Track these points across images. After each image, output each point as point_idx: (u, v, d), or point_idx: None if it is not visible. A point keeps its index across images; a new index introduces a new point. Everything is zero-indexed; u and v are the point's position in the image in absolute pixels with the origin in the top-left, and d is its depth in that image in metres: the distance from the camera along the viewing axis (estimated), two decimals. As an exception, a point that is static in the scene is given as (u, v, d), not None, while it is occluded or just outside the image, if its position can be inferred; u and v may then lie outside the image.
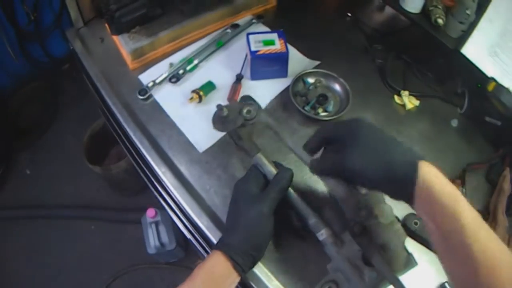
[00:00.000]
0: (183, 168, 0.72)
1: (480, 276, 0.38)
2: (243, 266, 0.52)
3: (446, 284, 0.68)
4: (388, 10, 0.95)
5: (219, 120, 0.64)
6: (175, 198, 0.70)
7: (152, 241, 1.16)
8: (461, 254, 0.41)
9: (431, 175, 0.44)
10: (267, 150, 0.66)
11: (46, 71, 1.78)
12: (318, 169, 0.56)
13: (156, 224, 1.16)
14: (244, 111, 0.64)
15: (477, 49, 0.80)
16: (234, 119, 0.65)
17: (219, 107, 0.65)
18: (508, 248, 0.41)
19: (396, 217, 0.66)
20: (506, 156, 0.82)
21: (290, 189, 0.61)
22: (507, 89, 0.76)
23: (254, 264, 0.55)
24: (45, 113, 1.79)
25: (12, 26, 1.52)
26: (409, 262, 0.69)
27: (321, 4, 1.00)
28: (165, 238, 1.17)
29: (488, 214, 0.78)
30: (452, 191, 0.43)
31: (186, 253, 1.36)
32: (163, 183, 0.72)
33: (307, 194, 0.64)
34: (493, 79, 0.78)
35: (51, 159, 1.68)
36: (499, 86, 0.77)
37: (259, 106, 0.77)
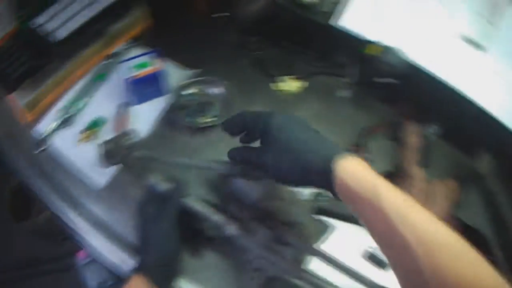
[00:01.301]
0: (93, 208, 0.73)
1: (420, 262, 0.36)
2: (160, 282, 0.55)
3: (370, 249, 0.68)
4: (261, 1, 0.95)
5: (103, 157, 0.66)
6: (90, 241, 0.71)
7: (90, 282, 1.16)
8: (395, 245, 0.39)
9: (347, 172, 0.44)
10: (162, 169, 0.67)
11: None
12: (233, 156, 0.55)
13: (88, 264, 1.16)
14: (124, 140, 0.66)
15: (356, 17, 0.80)
16: (118, 152, 0.66)
17: (99, 145, 0.67)
18: (446, 226, 0.39)
19: (301, 193, 0.67)
20: (405, 112, 0.82)
21: (188, 199, 0.62)
22: (391, 49, 0.76)
23: (171, 279, 0.58)
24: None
25: None
26: (324, 228, 0.70)
27: (197, 11, 0.99)
28: (103, 275, 1.17)
29: (401, 172, 0.77)
30: (370, 185, 0.43)
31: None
32: (76, 229, 0.73)
33: (210, 198, 0.66)
34: (377, 42, 0.78)
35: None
36: (384, 48, 0.77)
37: (138, 132, 0.76)
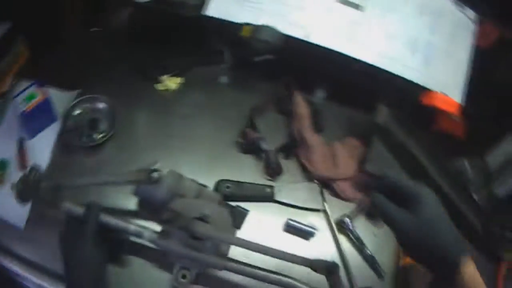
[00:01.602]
0: (17, 249, 0.73)
1: None
2: None
3: (290, 222, 0.72)
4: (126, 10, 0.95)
5: (17, 198, 0.70)
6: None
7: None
8: None
9: (469, 275, 0.48)
10: (73, 194, 0.69)
11: None
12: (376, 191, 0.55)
13: None
14: (31, 177, 0.69)
15: (221, 3, 0.81)
16: (28, 190, 0.70)
17: (12, 185, 0.70)
18: None
19: (203, 185, 0.69)
20: (289, 84, 0.84)
21: (103, 216, 0.64)
22: (263, 26, 0.77)
23: None
24: None
25: None
26: (239, 214, 0.73)
27: (70, 36, 0.97)
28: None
29: (296, 143, 0.79)
30: None
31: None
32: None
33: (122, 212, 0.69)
34: (247, 23, 0.79)
35: None
36: (256, 27, 0.79)
37: (40, 165, 0.78)
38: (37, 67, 0.92)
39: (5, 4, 0.90)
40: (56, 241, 0.69)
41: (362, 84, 0.85)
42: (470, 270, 0.48)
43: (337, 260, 0.74)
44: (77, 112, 0.82)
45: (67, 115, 0.82)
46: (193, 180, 0.72)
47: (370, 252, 0.76)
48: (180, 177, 0.71)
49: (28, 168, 0.77)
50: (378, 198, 0.54)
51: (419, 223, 0.50)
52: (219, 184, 0.76)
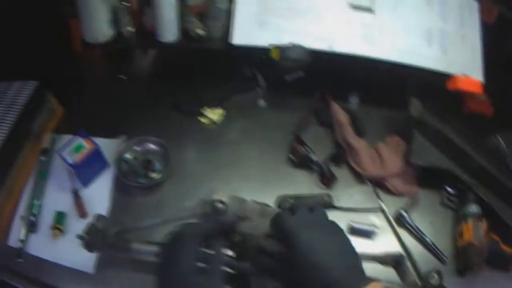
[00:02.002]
0: None
1: None
2: None
3: (352, 224, 0.76)
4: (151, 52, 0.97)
5: (86, 246, 0.70)
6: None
7: None
8: None
9: None
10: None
11: None
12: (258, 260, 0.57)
13: None
14: (98, 226, 0.70)
15: (245, 31, 0.83)
16: (95, 240, 0.71)
17: (78, 236, 0.71)
18: None
19: (265, 204, 0.72)
20: (324, 96, 0.87)
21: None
22: (290, 46, 0.80)
23: None
24: None
25: None
26: None
27: (97, 83, 1.01)
28: None
29: (343, 150, 0.82)
30: None
31: None
32: None
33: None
34: (272, 46, 0.82)
35: None
36: (283, 47, 0.81)
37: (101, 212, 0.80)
38: (73, 120, 0.95)
39: (31, 63, 0.91)
40: (123, 281, 0.73)
41: (391, 83, 0.89)
42: None
43: (401, 252, 0.78)
44: (128, 155, 0.85)
45: (120, 159, 0.84)
46: (254, 201, 0.74)
47: (430, 239, 0.80)
48: (242, 200, 0.73)
49: (93, 217, 0.79)
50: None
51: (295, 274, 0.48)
52: (280, 200, 0.79)
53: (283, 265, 0.52)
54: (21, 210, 0.91)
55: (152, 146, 0.84)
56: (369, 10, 0.89)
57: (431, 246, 0.80)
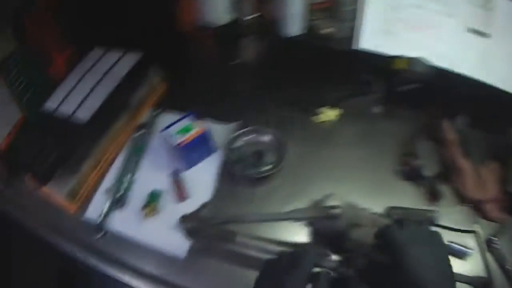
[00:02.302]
0: (178, 280, 0.71)
1: None
2: None
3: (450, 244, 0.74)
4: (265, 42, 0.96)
5: (189, 233, 0.68)
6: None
7: None
8: None
9: None
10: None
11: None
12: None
13: None
14: (203, 212, 0.68)
15: (372, 37, 0.83)
16: (201, 226, 0.67)
17: (181, 220, 0.67)
18: None
19: (378, 214, 0.71)
20: (437, 112, 0.88)
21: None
22: (415, 59, 0.81)
23: None
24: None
25: None
26: None
27: (209, 65, 0.99)
28: None
29: (450, 168, 0.83)
30: None
31: None
32: None
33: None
34: (399, 56, 0.82)
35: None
36: (408, 59, 0.82)
37: (210, 204, 0.77)
38: (177, 99, 0.92)
39: (138, 33, 0.89)
40: (217, 270, 0.70)
41: (497, 108, 0.91)
42: None
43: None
44: (238, 143, 0.82)
45: (229, 146, 0.82)
46: (368, 211, 0.74)
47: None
48: (356, 208, 0.73)
49: (199, 204, 0.77)
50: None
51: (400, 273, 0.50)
52: (389, 211, 0.78)
53: (386, 276, 0.53)
54: (108, 184, 0.87)
55: (266, 137, 0.82)
56: (485, 35, 0.91)
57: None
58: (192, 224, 0.68)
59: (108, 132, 0.88)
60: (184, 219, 0.69)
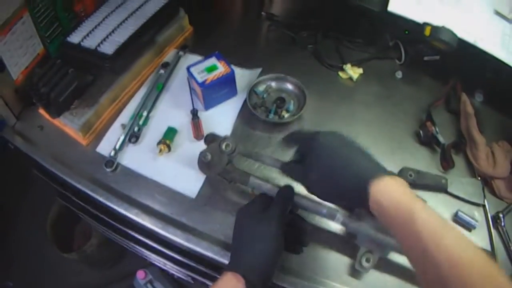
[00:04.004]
0: (184, 220, 0.71)
1: (451, 283, 0.38)
2: (255, 284, 0.52)
3: (460, 213, 0.74)
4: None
5: (205, 166, 0.65)
6: (188, 249, 0.71)
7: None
8: (427, 264, 0.41)
9: (383, 194, 0.45)
10: (256, 172, 0.69)
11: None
12: (286, 174, 0.60)
13: (150, 282, 1.15)
14: (223, 147, 0.65)
15: (403, 2, 0.84)
16: (219, 160, 0.66)
17: (201, 154, 0.65)
18: (479, 250, 0.40)
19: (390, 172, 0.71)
20: (457, 84, 0.89)
21: (297, 199, 0.63)
22: (442, 28, 0.82)
23: (266, 283, 0.55)
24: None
25: None
26: None
27: (234, 13, 1.00)
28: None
29: (465, 140, 0.84)
30: (406, 207, 0.43)
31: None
32: (170, 240, 0.71)
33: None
34: (427, 23, 0.83)
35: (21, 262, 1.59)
36: (435, 28, 0.83)
37: (232, 137, 0.77)
38: (203, 43, 0.92)
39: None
40: (225, 214, 0.71)
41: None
42: (379, 189, 0.46)
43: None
44: (261, 88, 0.83)
45: (252, 91, 0.82)
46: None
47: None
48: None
49: (220, 138, 0.76)
50: (285, 166, 0.60)
51: (319, 174, 0.51)
52: (402, 171, 0.79)
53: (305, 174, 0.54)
54: (124, 119, 0.86)
55: (289, 86, 0.82)
56: (509, 20, 0.93)
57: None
58: (210, 158, 0.66)
59: (130, 68, 0.87)
60: (206, 141, 0.68)
